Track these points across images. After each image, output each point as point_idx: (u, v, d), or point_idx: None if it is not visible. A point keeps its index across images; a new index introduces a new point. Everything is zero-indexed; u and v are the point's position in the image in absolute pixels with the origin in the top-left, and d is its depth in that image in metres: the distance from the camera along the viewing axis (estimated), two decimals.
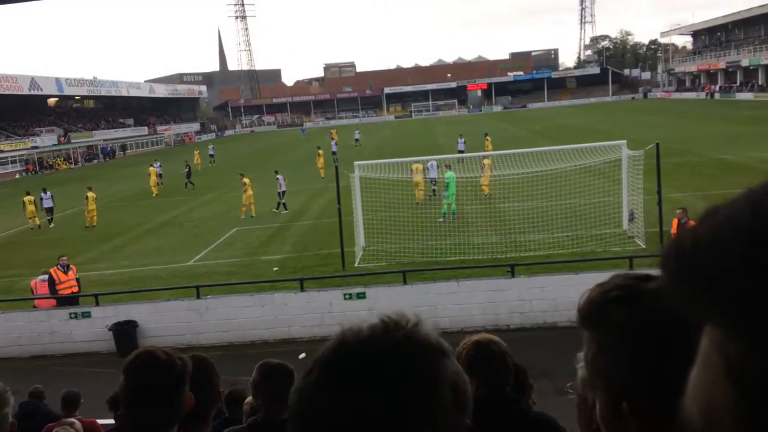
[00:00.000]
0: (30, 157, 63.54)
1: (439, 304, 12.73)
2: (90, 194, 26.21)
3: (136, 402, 1.98)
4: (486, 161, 22.72)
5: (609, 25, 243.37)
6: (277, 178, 25.53)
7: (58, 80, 73.64)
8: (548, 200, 19.41)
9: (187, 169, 37.78)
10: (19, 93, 66.80)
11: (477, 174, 23.05)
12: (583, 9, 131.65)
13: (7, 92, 64.52)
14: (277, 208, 25.38)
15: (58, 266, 13.97)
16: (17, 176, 58.95)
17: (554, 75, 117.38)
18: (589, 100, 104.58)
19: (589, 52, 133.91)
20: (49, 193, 27.23)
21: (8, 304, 14.64)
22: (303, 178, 34.42)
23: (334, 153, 41.62)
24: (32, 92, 69.03)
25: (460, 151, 33.41)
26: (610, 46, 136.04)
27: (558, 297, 12.37)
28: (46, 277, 13.80)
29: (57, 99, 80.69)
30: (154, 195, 34.13)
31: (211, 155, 49.00)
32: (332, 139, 47.85)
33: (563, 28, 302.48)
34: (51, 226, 26.95)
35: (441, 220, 20.17)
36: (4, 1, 6.23)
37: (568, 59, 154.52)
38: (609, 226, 17.53)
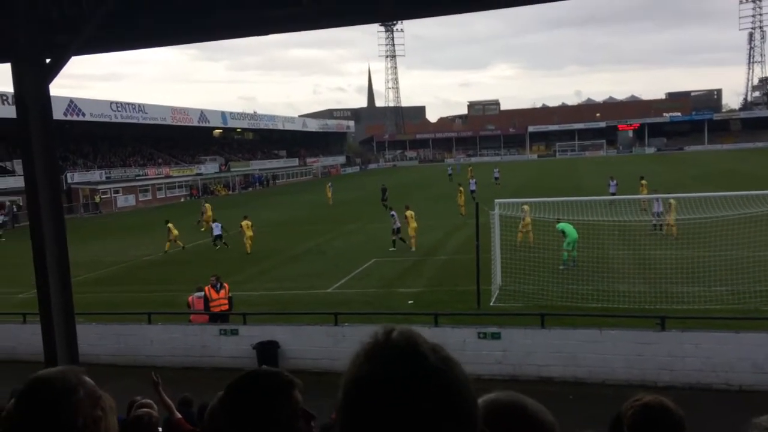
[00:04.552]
0: (194, 183, 69.59)
1: (579, 352, 12.11)
2: (244, 222, 27.30)
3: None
4: (672, 201, 22.81)
5: None
6: (392, 215, 26.05)
7: (223, 113, 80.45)
8: (705, 250, 17.95)
9: (383, 192, 40.82)
10: (189, 125, 73.70)
11: (626, 218, 21.98)
12: (751, 48, 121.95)
13: (180, 123, 71.51)
14: (394, 245, 25.56)
15: (211, 284, 15.02)
16: (182, 200, 64.72)
17: (716, 117, 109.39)
18: (756, 144, 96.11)
19: (757, 93, 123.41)
20: (219, 224, 29.28)
21: (168, 317, 15.92)
22: (441, 213, 34.65)
23: (472, 191, 41.43)
24: (200, 124, 75.87)
25: (612, 194, 31.93)
26: None
27: (714, 356, 11.32)
28: (202, 293, 14.91)
29: (221, 131, 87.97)
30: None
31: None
32: (471, 177, 47.67)
33: (726, 68, 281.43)
34: (226, 247, 28.27)
35: (562, 267, 19.38)
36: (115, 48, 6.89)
37: (732, 101, 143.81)
38: None
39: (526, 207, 21.93)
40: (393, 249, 25.31)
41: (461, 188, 36.66)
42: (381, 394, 0.90)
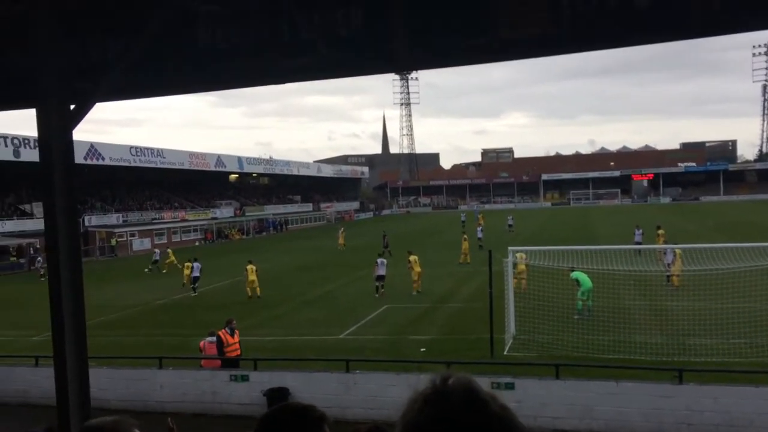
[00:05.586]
0: (209, 227, 70.06)
1: (595, 404, 11.86)
2: (249, 267, 27.17)
3: None
4: (677, 251, 22.67)
5: None
6: (376, 262, 26.33)
7: (240, 159, 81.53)
8: (722, 302, 17.66)
9: (384, 239, 42.13)
10: (206, 169, 74.69)
11: (642, 268, 21.80)
12: (765, 100, 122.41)
13: (197, 168, 72.51)
14: (377, 292, 25.64)
15: (226, 329, 14.87)
16: (197, 243, 65.06)
17: (731, 167, 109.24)
18: None
19: None
20: (198, 264, 29.27)
21: (179, 361, 15.82)
22: (453, 260, 34.51)
23: (479, 239, 41.33)
24: (217, 169, 76.86)
25: (637, 243, 31.72)
26: None
27: (733, 411, 11.03)
28: (215, 338, 14.80)
29: (237, 175, 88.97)
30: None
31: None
32: (478, 224, 47.49)
33: (741, 119, 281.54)
34: (194, 294, 28.55)
35: (577, 317, 19.12)
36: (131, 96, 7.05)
37: (747, 151, 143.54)
38: None
39: (520, 254, 21.83)
40: (377, 295, 25.39)
41: (466, 236, 36.69)
42: None
